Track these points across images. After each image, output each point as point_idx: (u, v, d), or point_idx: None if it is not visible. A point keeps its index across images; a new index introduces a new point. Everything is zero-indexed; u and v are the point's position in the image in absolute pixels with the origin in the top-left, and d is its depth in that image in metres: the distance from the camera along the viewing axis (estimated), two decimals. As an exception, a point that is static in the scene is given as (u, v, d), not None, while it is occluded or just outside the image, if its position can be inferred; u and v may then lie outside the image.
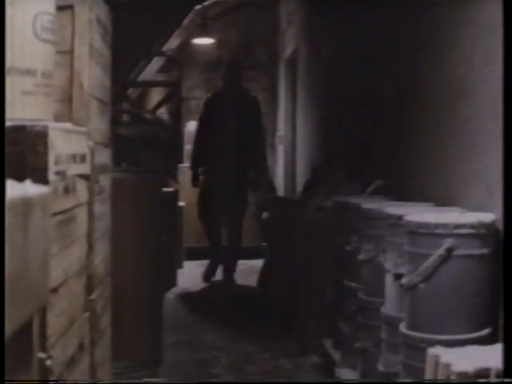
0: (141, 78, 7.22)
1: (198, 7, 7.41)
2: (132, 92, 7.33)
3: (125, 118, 5.77)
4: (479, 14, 2.45)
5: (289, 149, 7.75)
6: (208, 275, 6.33)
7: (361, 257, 2.87)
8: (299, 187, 6.18)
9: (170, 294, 5.60)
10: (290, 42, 7.61)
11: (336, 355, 3.36)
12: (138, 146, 5.12)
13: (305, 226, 4.09)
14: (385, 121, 3.66)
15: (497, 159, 2.22)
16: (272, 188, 7.10)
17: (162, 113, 7.13)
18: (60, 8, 2.13)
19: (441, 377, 2.05)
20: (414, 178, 3.15)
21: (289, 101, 7.79)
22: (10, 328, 1.08)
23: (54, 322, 1.73)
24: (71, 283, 1.95)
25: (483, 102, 2.37)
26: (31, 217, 1.16)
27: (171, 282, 5.93)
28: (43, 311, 1.63)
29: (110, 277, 2.71)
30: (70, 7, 2.28)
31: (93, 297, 2.28)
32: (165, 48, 7.28)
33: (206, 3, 7.49)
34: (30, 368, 1.34)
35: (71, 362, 1.96)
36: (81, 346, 2.10)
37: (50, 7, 1.94)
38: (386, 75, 3.62)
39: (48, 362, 1.66)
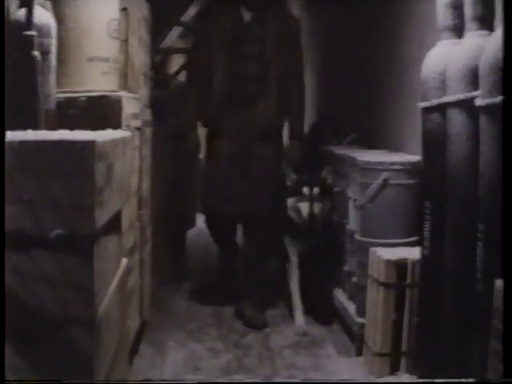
0: (162, 45, 8.01)
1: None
2: (155, 58, 8.11)
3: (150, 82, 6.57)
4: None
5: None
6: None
7: (335, 189, 3.69)
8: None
9: (191, 232, 6.52)
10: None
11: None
12: (163, 105, 5.97)
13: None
14: (363, 90, 4.55)
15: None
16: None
17: (183, 76, 7.91)
18: (118, 10, 3.03)
19: (375, 264, 2.98)
20: (379, 132, 4.03)
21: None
22: (112, 211, 2.00)
23: (124, 220, 2.67)
24: (131, 199, 2.91)
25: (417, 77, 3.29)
26: (126, 148, 2.12)
27: (191, 222, 6.83)
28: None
29: (150, 203, 3.67)
30: (125, 9, 3.17)
31: (141, 212, 3.25)
32: (184, 17, 8.06)
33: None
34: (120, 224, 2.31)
35: (130, 253, 2.93)
36: (135, 243, 3.07)
37: (117, 14, 2.85)
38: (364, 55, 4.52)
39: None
